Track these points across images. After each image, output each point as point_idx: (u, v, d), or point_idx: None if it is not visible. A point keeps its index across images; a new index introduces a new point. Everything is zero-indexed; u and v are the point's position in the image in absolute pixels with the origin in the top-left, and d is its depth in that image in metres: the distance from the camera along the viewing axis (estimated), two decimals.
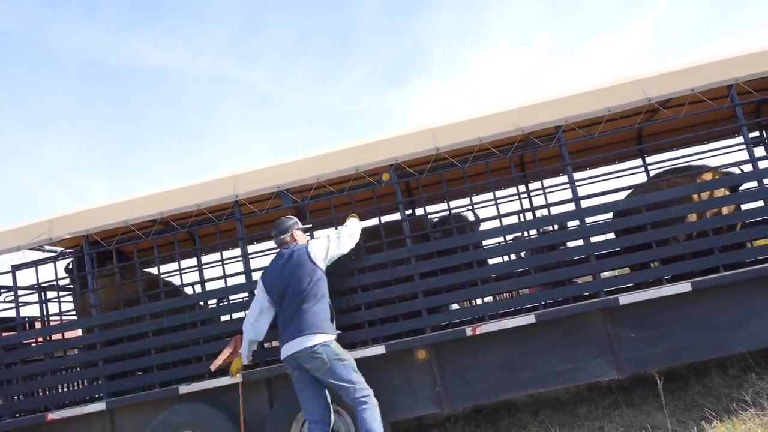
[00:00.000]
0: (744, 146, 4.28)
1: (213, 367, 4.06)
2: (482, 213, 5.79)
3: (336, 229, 4.25)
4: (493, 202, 4.64)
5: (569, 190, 4.32)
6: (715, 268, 4.14)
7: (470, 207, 4.84)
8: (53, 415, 4.42)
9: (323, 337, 3.76)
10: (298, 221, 4.17)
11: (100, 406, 4.38)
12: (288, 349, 3.77)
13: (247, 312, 4.09)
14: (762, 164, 4.20)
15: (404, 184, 5.86)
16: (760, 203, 4.17)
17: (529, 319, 4.11)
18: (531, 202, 6.04)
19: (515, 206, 6.76)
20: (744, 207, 4.52)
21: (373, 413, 3.73)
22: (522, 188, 6.08)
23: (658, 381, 3.93)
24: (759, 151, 5.46)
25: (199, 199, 4.55)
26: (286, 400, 4.18)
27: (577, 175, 4.54)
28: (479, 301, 4.97)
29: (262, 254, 5.37)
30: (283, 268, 3.91)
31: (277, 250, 4.10)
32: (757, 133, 5.82)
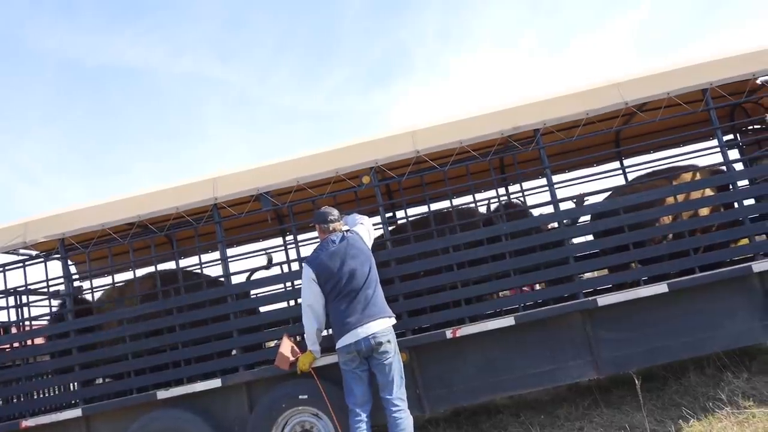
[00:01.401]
0: (718, 149, 4.36)
1: (288, 368, 3.98)
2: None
3: (362, 222, 4.12)
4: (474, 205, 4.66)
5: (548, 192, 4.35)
6: (692, 269, 4.20)
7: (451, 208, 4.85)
8: (28, 422, 4.33)
9: (393, 321, 3.82)
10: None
11: (76, 412, 4.30)
12: (359, 333, 3.62)
13: (304, 304, 3.87)
14: (735, 167, 4.27)
15: (385, 186, 5.87)
16: (735, 204, 4.25)
17: (508, 321, 4.13)
18: None
19: None
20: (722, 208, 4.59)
21: (409, 417, 3.72)
22: (501, 191, 6.12)
23: (636, 381, 3.98)
24: (733, 153, 5.56)
25: (177, 202, 4.50)
26: (266, 404, 4.14)
27: (556, 178, 4.55)
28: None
29: (242, 257, 5.31)
30: (339, 254, 3.77)
31: (325, 238, 3.91)
32: (731, 136, 5.92)
